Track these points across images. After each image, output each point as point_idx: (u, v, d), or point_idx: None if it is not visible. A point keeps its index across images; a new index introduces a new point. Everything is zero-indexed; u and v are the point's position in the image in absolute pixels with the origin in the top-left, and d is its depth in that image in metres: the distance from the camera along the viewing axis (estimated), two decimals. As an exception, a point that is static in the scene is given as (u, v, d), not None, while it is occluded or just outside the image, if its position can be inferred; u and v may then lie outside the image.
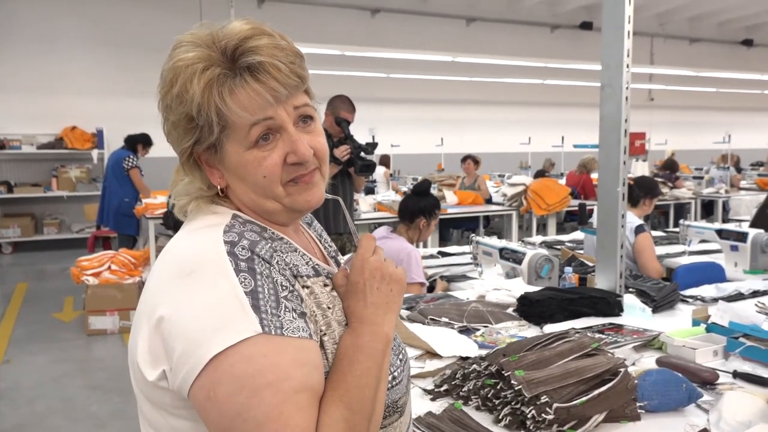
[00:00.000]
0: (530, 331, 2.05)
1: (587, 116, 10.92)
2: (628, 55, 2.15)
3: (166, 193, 5.96)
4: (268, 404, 0.74)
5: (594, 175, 7.85)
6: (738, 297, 2.56)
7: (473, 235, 3.48)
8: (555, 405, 1.29)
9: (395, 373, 0.93)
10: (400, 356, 0.98)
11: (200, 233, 0.86)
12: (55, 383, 3.85)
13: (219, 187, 0.91)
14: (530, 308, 2.17)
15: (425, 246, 5.27)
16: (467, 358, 1.73)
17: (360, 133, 4.23)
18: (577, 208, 6.31)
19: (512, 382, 1.35)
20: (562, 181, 8.04)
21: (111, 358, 4.28)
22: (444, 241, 7.14)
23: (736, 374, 1.65)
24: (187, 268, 0.81)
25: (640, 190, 3.71)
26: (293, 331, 0.79)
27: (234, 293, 0.78)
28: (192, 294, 0.79)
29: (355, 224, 5.75)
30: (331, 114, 3.71)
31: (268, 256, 0.83)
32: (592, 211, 5.54)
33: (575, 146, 10.73)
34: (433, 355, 1.81)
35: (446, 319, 2.12)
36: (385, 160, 9.73)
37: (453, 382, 1.55)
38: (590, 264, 2.98)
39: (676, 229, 4.28)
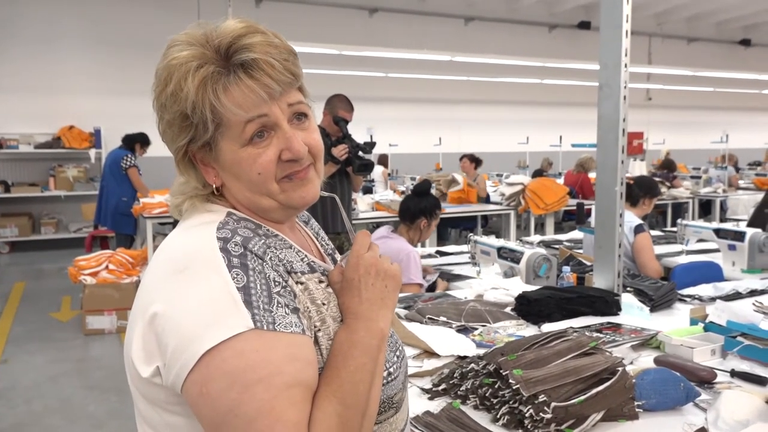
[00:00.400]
0: (528, 330, 2.05)
1: (585, 116, 10.92)
2: (626, 55, 2.16)
3: (163, 193, 5.96)
4: (260, 399, 0.74)
5: (592, 175, 7.85)
6: (736, 296, 2.57)
7: (471, 234, 3.48)
8: (553, 404, 1.29)
9: (391, 369, 0.93)
10: (397, 353, 0.98)
11: (194, 230, 0.87)
12: (52, 383, 3.85)
13: (214, 186, 0.91)
14: (528, 307, 2.17)
15: (423, 245, 5.27)
16: (465, 357, 1.74)
17: (358, 133, 4.23)
18: (575, 208, 6.31)
19: (510, 381, 1.35)
20: (560, 181, 8.05)
21: (108, 358, 4.27)
22: (442, 240, 7.14)
23: (734, 373, 1.66)
24: (181, 264, 0.82)
25: (639, 190, 3.71)
26: (286, 327, 0.79)
27: (226, 289, 0.78)
28: (185, 290, 0.79)
29: (352, 223, 5.76)
30: (329, 113, 3.70)
31: (261, 252, 0.83)
32: (589, 210, 5.54)
33: (573, 146, 10.74)
34: (431, 354, 1.80)
35: (444, 318, 2.12)
36: (383, 160, 9.73)
37: (451, 381, 1.55)
38: (588, 263, 2.98)
39: (674, 229, 4.29)
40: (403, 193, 7.67)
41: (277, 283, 0.82)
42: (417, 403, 1.50)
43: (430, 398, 1.54)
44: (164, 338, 0.79)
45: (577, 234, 4.66)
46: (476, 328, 2.05)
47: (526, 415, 1.30)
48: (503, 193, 7.01)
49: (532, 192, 6.65)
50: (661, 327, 1.98)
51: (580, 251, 3.56)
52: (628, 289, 2.40)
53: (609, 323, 2.07)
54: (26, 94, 8.61)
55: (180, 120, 0.86)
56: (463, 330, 2.05)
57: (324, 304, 0.88)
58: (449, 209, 6.60)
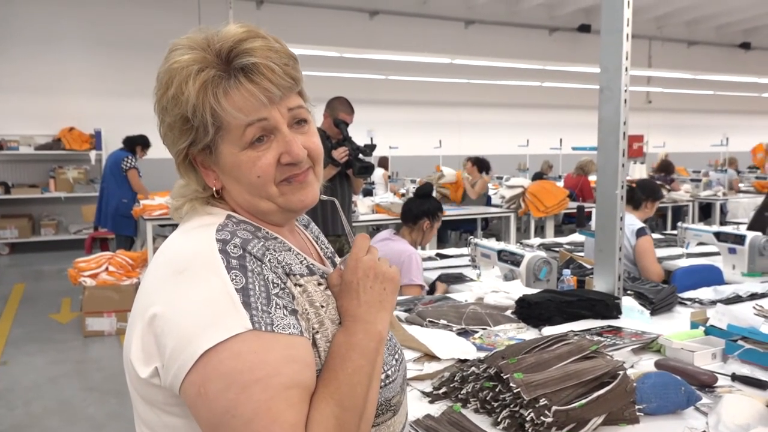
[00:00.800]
0: (529, 334, 2.05)
1: (585, 119, 10.94)
2: (626, 58, 2.16)
3: (163, 194, 5.96)
4: (257, 400, 0.75)
5: (591, 178, 7.86)
6: (736, 299, 2.57)
7: (471, 237, 3.48)
8: (554, 408, 1.28)
9: (389, 372, 0.93)
10: (396, 356, 0.98)
11: (194, 233, 0.87)
12: (52, 384, 3.84)
13: (214, 189, 0.92)
14: (529, 310, 2.17)
15: (423, 248, 5.28)
16: (466, 360, 1.73)
17: (358, 135, 4.23)
18: (575, 211, 6.31)
19: (511, 384, 1.35)
20: (560, 184, 8.05)
21: (108, 360, 4.27)
22: (442, 243, 7.14)
23: (735, 377, 1.65)
24: (180, 266, 0.82)
25: (642, 193, 3.72)
26: (284, 328, 0.79)
27: (225, 290, 0.79)
28: (184, 291, 0.80)
29: (353, 226, 5.75)
30: (329, 115, 3.71)
31: (260, 254, 0.84)
32: (589, 213, 5.54)
33: (574, 149, 10.74)
34: (431, 357, 1.80)
35: (444, 322, 2.11)
36: (383, 162, 9.74)
37: (451, 385, 1.55)
38: (588, 266, 2.98)
39: (674, 232, 4.29)
40: (403, 195, 7.67)
41: (275, 285, 0.83)
42: (417, 407, 1.50)
43: (431, 401, 1.54)
44: (163, 339, 0.79)
45: (577, 237, 4.65)
46: (477, 331, 2.05)
47: (527, 418, 1.30)
48: (503, 195, 7.01)
49: (532, 195, 6.65)
50: (662, 330, 1.98)
51: (581, 254, 3.56)
52: (629, 292, 2.39)
53: (609, 326, 2.07)
54: (26, 96, 8.61)
55: (181, 123, 0.86)
56: (464, 333, 2.05)
57: (322, 306, 0.89)
58: (449, 211, 6.61)
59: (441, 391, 1.56)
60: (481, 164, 7.70)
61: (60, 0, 8.76)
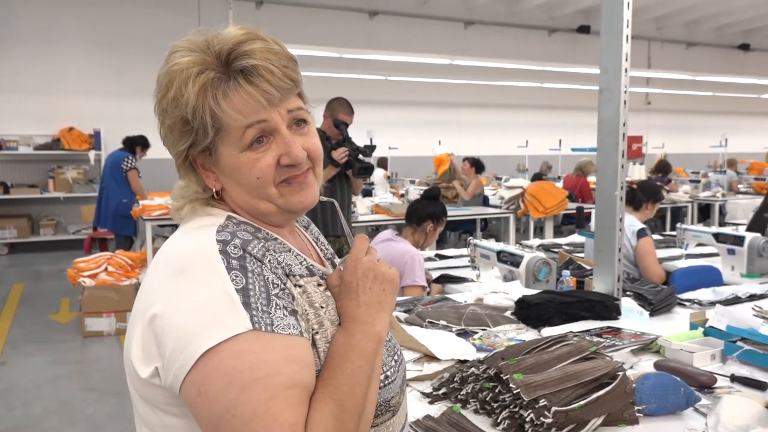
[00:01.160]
0: (528, 335, 2.05)
1: (585, 119, 10.97)
2: (626, 59, 2.16)
3: (163, 195, 5.96)
4: (257, 400, 0.75)
5: (591, 178, 7.86)
6: (735, 300, 2.57)
7: (471, 237, 3.48)
8: (553, 408, 1.28)
9: (388, 373, 0.94)
10: (395, 357, 0.98)
11: (194, 233, 0.88)
12: (51, 385, 3.84)
13: (214, 190, 0.92)
14: (528, 311, 2.17)
15: (422, 249, 5.28)
16: (465, 361, 1.73)
17: (358, 136, 4.23)
18: (574, 212, 6.31)
19: (510, 385, 1.35)
20: (560, 184, 8.05)
21: (107, 360, 4.26)
22: (441, 243, 7.14)
23: (734, 378, 1.65)
24: (180, 266, 0.83)
25: (643, 194, 3.73)
26: (284, 329, 0.80)
27: (225, 290, 0.79)
28: (184, 291, 0.80)
29: (352, 226, 5.74)
30: (329, 116, 3.71)
31: (260, 255, 0.84)
32: (588, 214, 5.55)
33: (573, 149, 10.74)
34: (431, 358, 1.80)
35: (444, 322, 2.11)
36: (382, 163, 9.73)
37: (451, 386, 1.55)
38: (588, 267, 2.98)
39: (673, 233, 4.29)
40: (402, 196, 7.68)
41: (275, 286, 0.83)
42: (417, 407, 1.50)
43: (431, 402, 1.54)
44: (163, 339, 0.79)
45: (576, 238, 4.65)
46: (476, 332, 2.05)
47: (527, 419, 1.30)
48: (502, 196, 7.02)
49: (532, 195, 6.65)
50: (661, 331, 1.98)
51: (580, 255, 3.56)
52: (628, 293, 2.40)
53: (609, 327, 2.07)
54: (26, 96, 8.61)
55: (181, 125, 0.87)
56: (463, 334, 2.05)
57: (322, 307, 0.89)
58: (449, 212, 6.60)
59: (441, 392, 1.56)
60: (478, 165, 7.72)
61: (59, 0, 8.76)
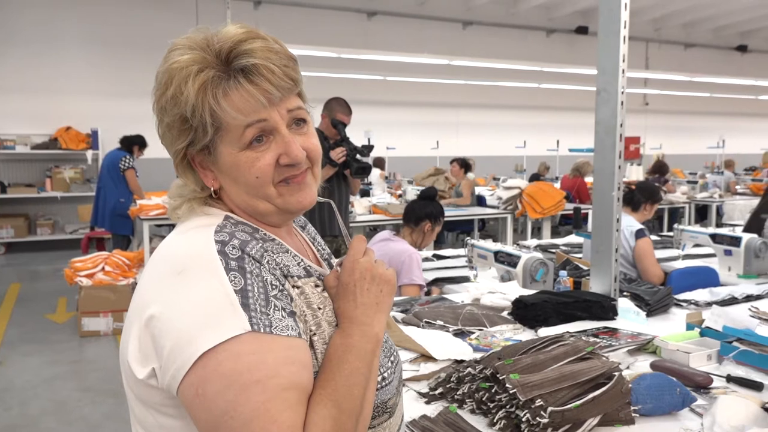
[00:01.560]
0: (525, 335, 2.05)
1: (582, 120, 10.96)
2: (623, 60, 2.16)
3: (160, 194, 5.95)
4: (255, 402, 0.75)
5: (588, 179, 7.87)
6: (732, 301, 2.57)
7: (468, 238, 3.49)
8: (549, 409, 1.29)
9: (385, 374, 0.93)
10: (392, 358, 0.98)
11: (192, 233, 0.87)
12: (47, 385, 3.83)
13: (212, 189, 0.92)
14: (525, 311, 2.17)
15: (420, 250, 5.28)
16: (462, 361, 1.73)
17: (356, 136, 4.23)
18: (572, 212, 6.32)
19: (507, 385, 1.35)
20: (557, 185, 8.06)
21: (104, 360, 4.26)
22: (439, 244, 7.15)
23: (730, 378, 1.66)
24: (178, 266, 0.82)
25: (641, 195, 3.74)
26: (282, 330, 0.79)
27: (224, 291, 0.78)
28: (182, 292, 0.80)
29: (350, 226, 5.73)
30: (327, 116, 3.71)
31: (259, 256, 0.84)
32: (586, 215, 5.56)
33: (570, 150, 10.76)
34: (427, 358, 1.80)
35: (441, 322, 2.11)
36: (379, 163, 9.73)
37: (448, 386, 1.55)
38: (585, 268, 2.98)
39: (671, 234, 4.30)
40: (400, 196, 7.68)
41: (274, 287, 0.83)
42: (413, 407, 1.50)
43: (427, 402, 1.54)
44: (160, 340, 0.79)
45: (573, 238, 4.66)
46: (473, 332, 2.05)
47: (523, 419, 1.30)
48: (500, 197, 7.02)
49: (529, 196, 6.66)
50: (658, 332, 1.99)
51: (577, 256, 3.56)
52: (625, 293, 2.40)
53: (605, 328, 2.07)
54: (23, 95, 8.60)
55: (179, 123, 0.86)
56: (460, 334, 2.05)
57: (320, 308, 0.89)
58: (447, 212, 6.61)
59: (437, 392, 1.56)
60: (467, 165, 7.73)
61: (57, 0, 8.74)
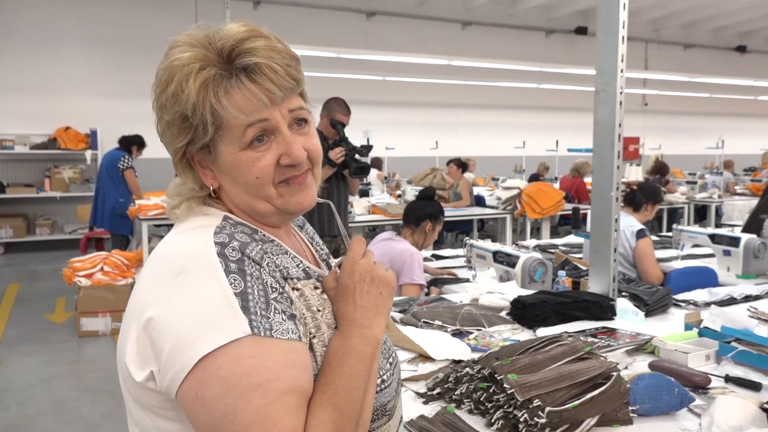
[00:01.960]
0: (523, 335, 2.05)
1: (582, 120, 10.96)
2: (622, 60, 2.16)
3: (159, 194, 5.95)
4: (256, 405, 0.74)
5: (587, 179, 7.87)
6: (730, 301, 2.57)
7: (467, 238, 3.49)
8: (547, 409, 1.28)
9: (384, 377, 0.93)
10: (390, 360, 0.98)
11: (191, 234, 0.86)
12: (46, 385, 3.83)
13: (211, 188, 0.91)
14: (523, 312, 2.17)
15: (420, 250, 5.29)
16: (460, 361, 1.73)
17: (355, 136, 4.24)
18: (571, 212, 6.33)
19: (505, 385, 1.35)
20: (557, 185, 8.07)
21: (103, 360, 4.25)
22: (438, 243, 7.15)
23: (728, 378, 1.66)
24: (177, 268, 0.81)
25: (643, 196, 3.74)
26: (282, 333, 0.79)
27: (224, 294, 0.78)
28: (181, 294, 0.79)
29: (349, 227, 5.72)
30: (326, 116, 3.71)
31: (259, 258, 0.83)
32: (585, 215, 5.56)
33: (569, 150, 10.77)
34: (425, 358, 1.80)
35: (439, 322, 2.11)
36: (377, 163, 9.72)
37: (445, 386, 1.55)
38: (584, 268, 2.98)
39: (670, 234, 4.30)
40: (399, 196, 7.68)
41: (274, 289, 0.82)
42: (411, 407, 1.50)
43: (425, 402, 1.54)
44: (159, 343, 0.78)
45: (573, 238, 4.66)
46: (471, 332, 2.05)
47: (521, 419, 1.30)
48: (500, 197, 7.02)
49: (529, 196, 6.66)
50: (656, 332, 1.99)
51: (576, 256, 3.56)
52: (624, 293, 2.40)
53: (604, 328, 2.07)
54: (22, 95, 8.59)
55: (180, 121, 0.85)
56: (459, 334, 2.05)
57: (319, 310, 0.88)
58: (446, 212, 6.60)
59: (435, 392, 1.56)
60: (464, 165, 7.72)
61: (56, 0, 8.74)
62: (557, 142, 10.89)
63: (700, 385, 1.60)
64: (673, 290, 2.58)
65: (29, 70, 8.57)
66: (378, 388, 0.89)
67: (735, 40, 14.68)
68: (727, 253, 3.36)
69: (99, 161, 7.55)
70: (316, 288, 0.91)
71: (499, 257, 2.93)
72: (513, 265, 2.79)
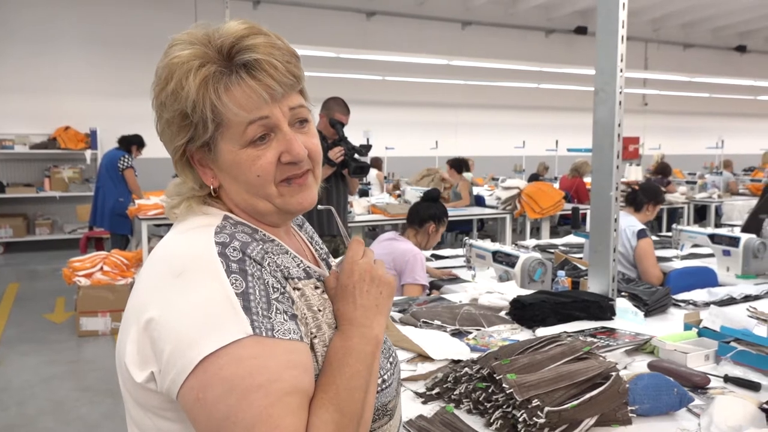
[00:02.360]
0: (522, 335, 2.05)
1: (581, 120, 10.95)
2: (621, 60, 2.16)
3: (159, 194, 5.95)
4: (258, 406, 0.74)
5: (587, 179, 7.87)
6: (730, 301, 2.58)
7: (467, 237, 3.50)
8: (546, 409, 1.29)
9: (385, 377, 0.92)
10: (390, 359, 0.98)
11: (191, 234, 0.86)
12: (45, 385, 3.83)
13: (212, 187, 0.90)
14: (523, 311, 2.17)
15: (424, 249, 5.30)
16: (459, 361, 1.73)
17: (355, 136, 4.24)
18: (570, 212, 6.33)
19: (504, 385, 1.35)
20: (557, 185, 8.06)
21: (102, 360, 4.25)
22: (438, 243, 7.12)
23: (728, 378, 1.66)
24: (177, 268, 0.80)
25: (644, 196, 3.75)
26: (284, 333, 0.78)
27: (225, 294, 0.77)
28: (182, 295, 0.78)
29: (349, 227, 5.72)
30: (325, 116, 3.72)
31: (260, 258, 0.83)
32: (585, 215, 5.56)
33: (569, 150, 10.77)
34: (425, 358, 1.80)
35: (439, 322, 2.11)
36: (376, 163, 9.71)
37: (445, 386, 1.55)
38: (583, 268, 2.98)
39: (669, 234, 4.30)
40: (399, 196, 7.68)
41: (275, 289, 0.81)
42: (410, 407, 1.50)
43: (424, 402, 1.54)
44: (160, 343, 0.78)
45: (572, 238, 4.66)
46: (470, 332, 2.05)
47: (520, 419, 1.30)
48: (499, 197, 7.02)
49: (528, 196, 6.66)
50: (655, 332, 1.99)
51: (576, 256, 3.56)
52: (623, 293, 2.40)
53: (603, 328, 2.08)
54: (22, 95, 8.59)
55: (179, 119, 0.85)
56: (458, 334, 2.05)
57: (320, 310, 0.88)
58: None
59: (434, 392, 1.56)
60: (459, 165, 7.67)
61: (56, 0, 8.74)
62: (557, 141, 10.88)
63: (699, 385, 1.60)
64: (672, 290, 2.58)
65: (29, 70, 8.57)
66: (379, 388, 0.89)
67: (735, 40, 14.68)
68: (726, 253, 3.36)
69: (99, 161, 7.55)
70: (316, 288, 0.91)
71: (498, 257, 2.93)
72: (512, 265, 2.79)
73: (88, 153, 8.56)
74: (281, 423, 0.74)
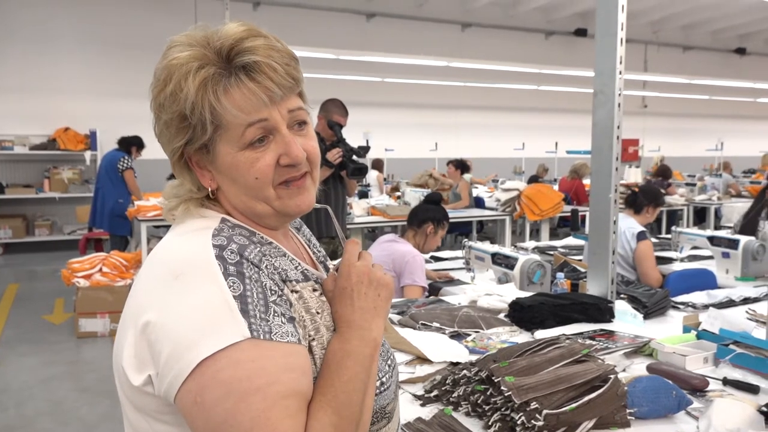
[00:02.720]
0: (521, 337, 2.05)
1: (581, 122, 10.95)
2: (621, 62, 2.16)
3: (158, 195, 5.94)
4: (256, 410, 0.73)
5: (586, 181, 7.87)
6: (729, 304, 2.57)
7: (466, 239, 3.49)
8: (545, 411, 1.28)
9: (383, 379, 0.92)
10: (389, 362, 0.97)
11: (189, 236, 0.85)
12: (44, 386, 3.82)
13: (209, 189, 0.90)
14: (522, 314, 2.17)
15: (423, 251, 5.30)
16: (458, 363, 1.73)
17: (354, 137, 4.24)
18: (570, 214, 6.33)
19: (502, 388, 1.35)
20: (556, 187, 8.07)
21: (101, 361, 4.25)
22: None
23: (726, 381, 1.66)
24: (175, 271, 0.80)
25: (644, 198, 3.75)
26: (282, 336, 0.78)
27: (222, 297, 0.77)
28: (180, 298, 0.78)
29: (348, 228, 5.71)
30: (323, 117, 3.72)
31: (257, 260, 0.82)
32: (584, 216, 5.56)
33: (568, 152, 10.77)
34: (423, 360, 1.80)
35: (437, 324, 2.11)
36: (377, 164, 9.72)
37: (443, 388, 1.54)
38: (582, 270, 2.98)
39: (668, 236, 4.30)
40: (398, 198, 7.68)
41: (273, 292, 0.81)
42: (409, 410, 1.49)
43: (422, 405, 1.54)
44: (158, 346, 0.77)
45: (571, 240, 4.66)
46: (469, 335, 2.05)
47: (518, 422, 1.30)
48: (499, 198, 7.02)
49: (528, 198, 6.66)
50: (654, 334, 1.99)
51: (576, 258, 3.56)
52: (622, 296, 2.40)
53: (602, 330, 2.07)
54: (22, 95, 8.59)
55: (178, 121, 0.85)
56: (456, 336, 2.05)
57: (318, 313, 0.88)
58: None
59: (432, 394, 1.56)
60: (463, 166, 7.70)
61: (55, 0, 8.74)
62: (556, 143, 10.89)
63: (698, 387, 1.60)
64: (671, 292, 2.58)
65: (28, 71, 8.57)
66: (377, 391, 0.89)
67: (734, 42, 14.69)
68: (725, 255, 3.36)
69: (98, 162, 7.55)
70: (314, 290, 0.90)
71: (497, 259, 2.93)
72: (511, 267, 2.79)
73: (87, 154, 8.56)
74: (279, 426, 0.74)
